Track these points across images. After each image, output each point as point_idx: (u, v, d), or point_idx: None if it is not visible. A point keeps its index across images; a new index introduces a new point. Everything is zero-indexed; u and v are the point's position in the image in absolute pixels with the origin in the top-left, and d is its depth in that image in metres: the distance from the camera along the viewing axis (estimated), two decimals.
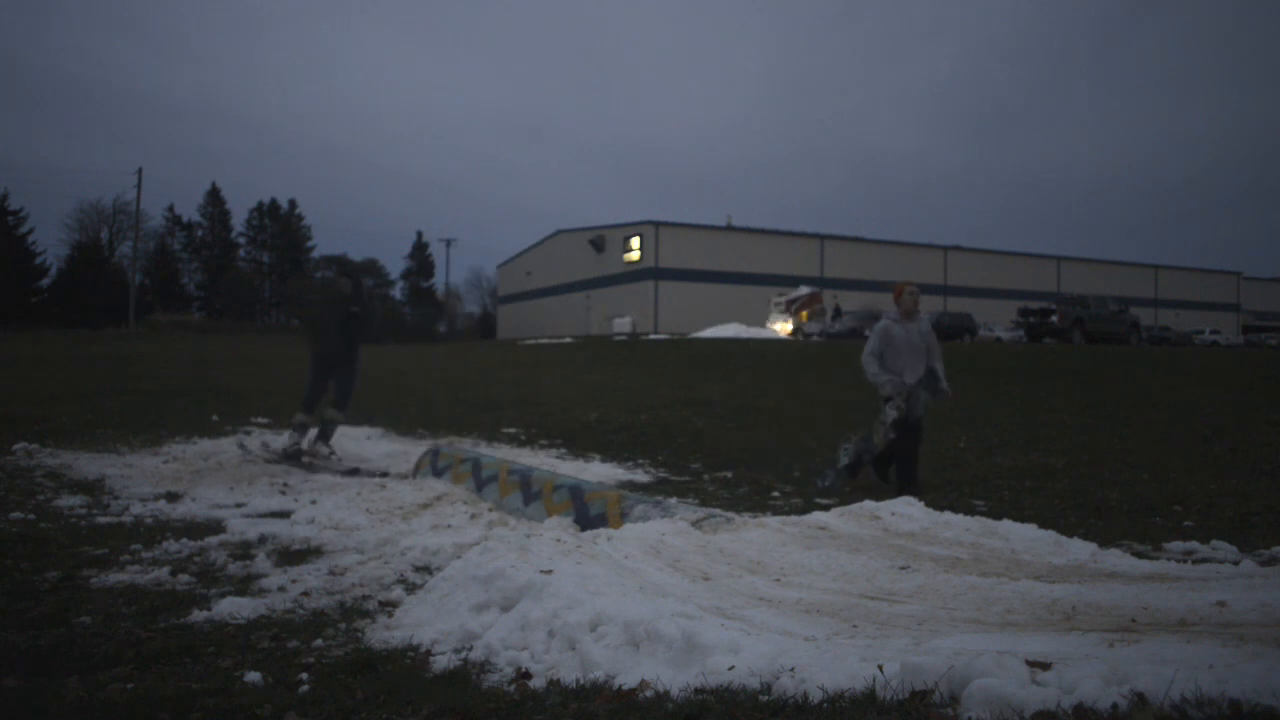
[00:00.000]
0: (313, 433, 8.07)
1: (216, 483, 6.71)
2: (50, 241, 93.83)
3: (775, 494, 6.69)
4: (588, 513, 4.95)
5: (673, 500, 5.48)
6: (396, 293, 72.23)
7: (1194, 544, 4.64)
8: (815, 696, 2.13)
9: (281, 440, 8.26)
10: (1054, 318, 29.61)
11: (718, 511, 4.82)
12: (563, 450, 9.29)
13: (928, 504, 4.97)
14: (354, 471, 7.52)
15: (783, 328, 35.40)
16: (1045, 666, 2.10)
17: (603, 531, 4.20)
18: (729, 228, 48.34)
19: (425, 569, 4.19)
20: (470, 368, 21.74)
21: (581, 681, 2.46)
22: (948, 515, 4.72)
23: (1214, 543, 4.61)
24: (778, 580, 3.63)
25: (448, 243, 67.74)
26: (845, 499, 6.00)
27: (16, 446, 7.84)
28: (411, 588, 3.80)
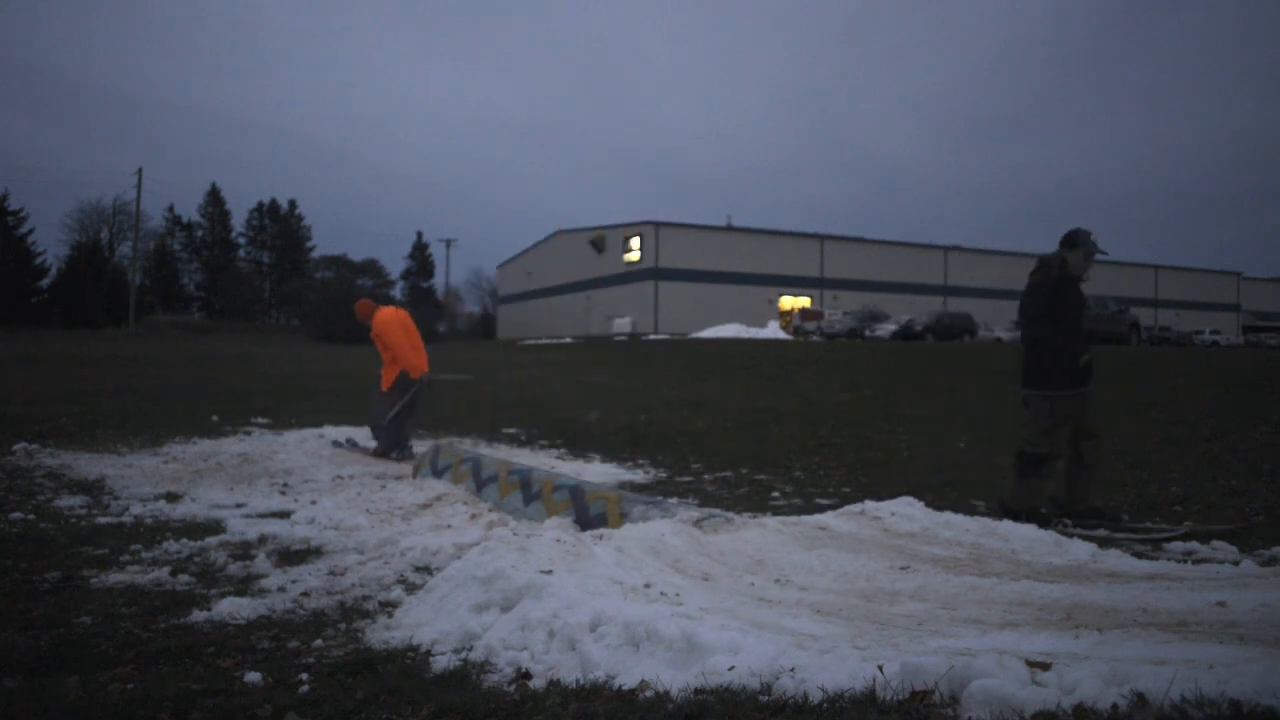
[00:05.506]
0: None
1: (216, 483, 6.71)
2: (50, 241, 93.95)
3: (775, 494, 6.69)
4: (588, 513, 4.95)
5: (673, 500, 5.48)
6: (396, 293, 72.25)
7: (1194, 544, 4.64)
8: (815, 697, 2.12)
9: None
10: None
11: (718, 512, 4.82)
12: (563, 450, 9.28)
13: (927, 504, 4.97)
14: None
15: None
16: (1045, 667, 2.10)
17: (603, 532, 4.20)
18: (729, 228, 48.31)
19: (425, 569, 4.19)
20: (470, 368, 21.73)
21: (581, 682, 2.46)
22: (948, 515, 4.72)
23: (1214, 543, 4.61)
24: (778, 581, 3.63)
25: (448, 243, 67.86)
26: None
27: (16, 446, 7.84)
28: (411, 588, 3.79)
